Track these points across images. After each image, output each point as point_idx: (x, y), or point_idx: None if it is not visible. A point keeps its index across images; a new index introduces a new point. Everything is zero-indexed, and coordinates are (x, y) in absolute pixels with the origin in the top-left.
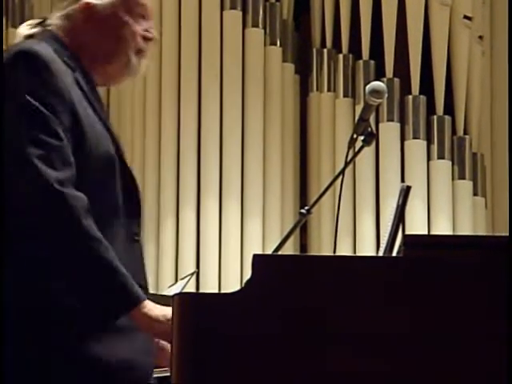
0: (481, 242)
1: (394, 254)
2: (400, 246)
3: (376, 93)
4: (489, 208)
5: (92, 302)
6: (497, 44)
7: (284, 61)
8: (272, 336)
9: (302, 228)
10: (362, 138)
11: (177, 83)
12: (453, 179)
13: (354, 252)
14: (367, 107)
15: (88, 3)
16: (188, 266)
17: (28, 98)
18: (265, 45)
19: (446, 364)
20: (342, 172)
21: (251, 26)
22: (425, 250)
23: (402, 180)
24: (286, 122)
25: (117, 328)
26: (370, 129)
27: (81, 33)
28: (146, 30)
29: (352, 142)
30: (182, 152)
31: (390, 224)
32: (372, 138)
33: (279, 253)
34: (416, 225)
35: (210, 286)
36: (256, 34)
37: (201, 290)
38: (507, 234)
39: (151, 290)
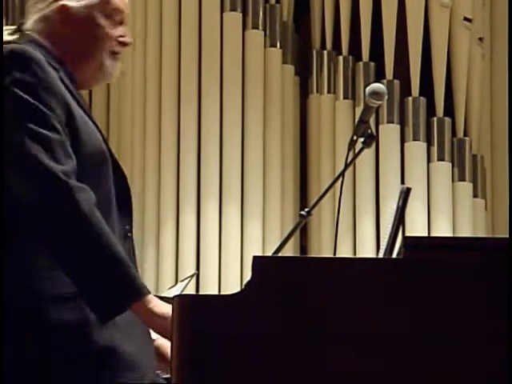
0: (481, 243)
1: (394, 255)
2: (400, 248)
3: (376, 95)
4: (489, 210)
5: (97, 293)
6: (497, 46)
7: (284, 62)
8: (272, 337)
9: (302, 230)
10: (361, 139)
11: (177, 85)
12: (453, 181)
13: (354, 254)
14: (367, 109)
15: (64, 5)
16: (188, 267)
17: (24, 95)
18: (265, 46)
19: (446, 364)
20: (342, 174)
21: (251, 27)
22: (425, 251)
23: (402, 182)
24: (285, 124)
25: (117, 327)
26: (370, 131)
27: (58, 35)
28: (121, 35)
29: (352, 143)
30: (182, 154)
31: (389, 226)
32: (372, 139)
33: (279, 255)
34: (416, 226)
35: (209, 288)
36: (256, 36)
37: (201, 292)
38: (507, 236)
39: (151, 292)
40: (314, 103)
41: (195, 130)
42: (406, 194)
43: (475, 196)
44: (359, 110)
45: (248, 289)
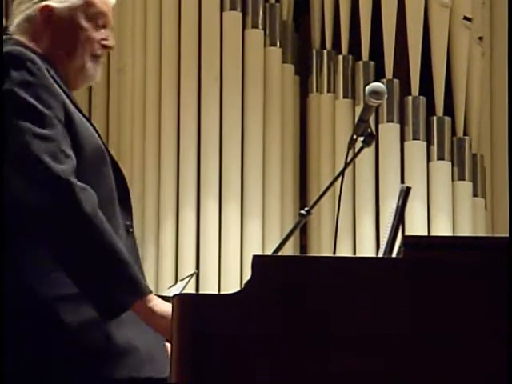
0: (480, 242)
1: (394, 254)
2: (400, 247)
3: (376, 94)
4: (488, 209)
5: (99, 292)
6: (497, 45)
7: (284, 62)
8: (272, 336)
9: (301, 229)
10: (361, 138)
11: (176, 84)
12: (452, 180)
13: (354, 253)
14: (367, 108)
15: (47, 5)
16: (188, 266)
17: (24, 95)
18: (264, 46)
19: (446, 364)
20: (342, 173)
21: (251, 26)
22: (424, 250)
23: (402, 181)
24: (285, 123)
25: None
26: (369, 130)
27: (42, 36)
28: (104, 39)
29: (352, 142)
30: (181, 152)
31: (389, 225)
32: (372, 138)
33: (279, 254)
34: (416, 226)
35: (209, 287)
36: (256, 35)
37: (201, 291)
38: (507, 235)
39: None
40: (314, 102)
41: (195, 128)
42: (405, 193)
43: (475, 195)
44: (359, 109)
45: (248, 288)
